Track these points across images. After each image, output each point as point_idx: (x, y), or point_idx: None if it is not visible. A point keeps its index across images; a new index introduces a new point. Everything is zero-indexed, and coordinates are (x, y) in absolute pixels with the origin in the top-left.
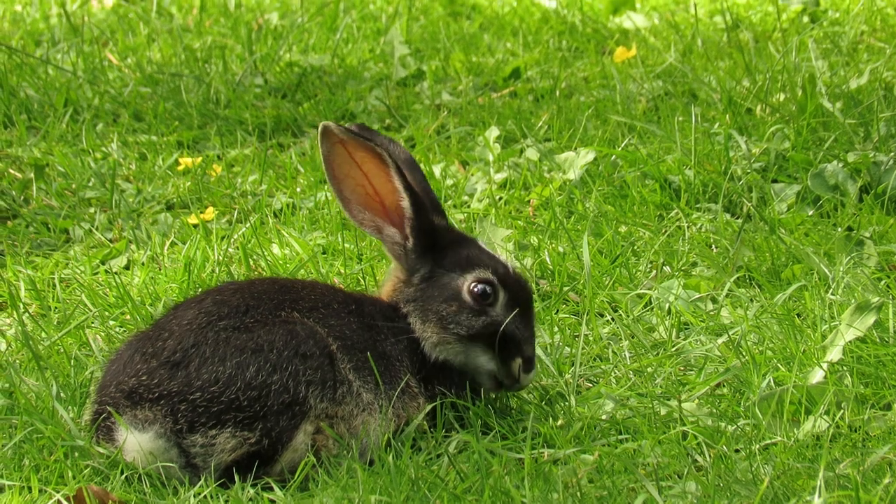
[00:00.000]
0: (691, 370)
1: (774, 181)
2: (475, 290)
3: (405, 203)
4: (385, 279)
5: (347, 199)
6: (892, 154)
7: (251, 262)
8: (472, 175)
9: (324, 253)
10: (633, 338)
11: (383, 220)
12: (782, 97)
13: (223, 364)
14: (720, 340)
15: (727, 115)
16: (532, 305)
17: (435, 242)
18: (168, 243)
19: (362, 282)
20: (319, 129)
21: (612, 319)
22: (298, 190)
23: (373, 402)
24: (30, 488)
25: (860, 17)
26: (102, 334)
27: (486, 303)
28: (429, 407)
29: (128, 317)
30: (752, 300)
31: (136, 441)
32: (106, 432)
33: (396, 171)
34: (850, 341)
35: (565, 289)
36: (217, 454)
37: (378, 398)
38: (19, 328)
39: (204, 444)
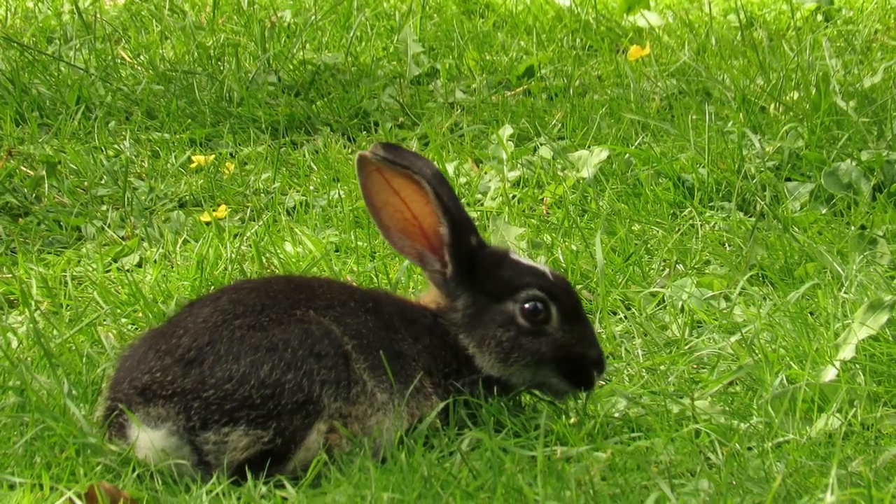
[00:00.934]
0: (704, 368)
1: (788, 179)
2: (528, 308)
3: (443, 229)
4: (427, 291)
5: (387, 226)
6: None
7: (264, 261)
8: (486, 173)
9: (336, 251)
10: (645, 336)
11: (423, 246)
12: (796, 96)
13: (237, 362)
14: (733, 338)
15: (741, 114)
16: (581, 305)
17: (474, 266)
18: (180, 241)
19: (375, 280)
20: (356, 159)
21: (625, 317)
22: (311, 188)
23: (387, 402)
24: (41, 486)
25: (874, 16)
26: (114, 332)
27: (539, 320)
28: (441, 405)
29: (140, 314)
30: (765, 298)
31: (148, 438)
32: (118, 429)
33: (435, 196)
34: (862, 339)
35: (578, 287)
36: (229, 452)
37: (392, 398)
38: (31, 326)
39: (216, 442)
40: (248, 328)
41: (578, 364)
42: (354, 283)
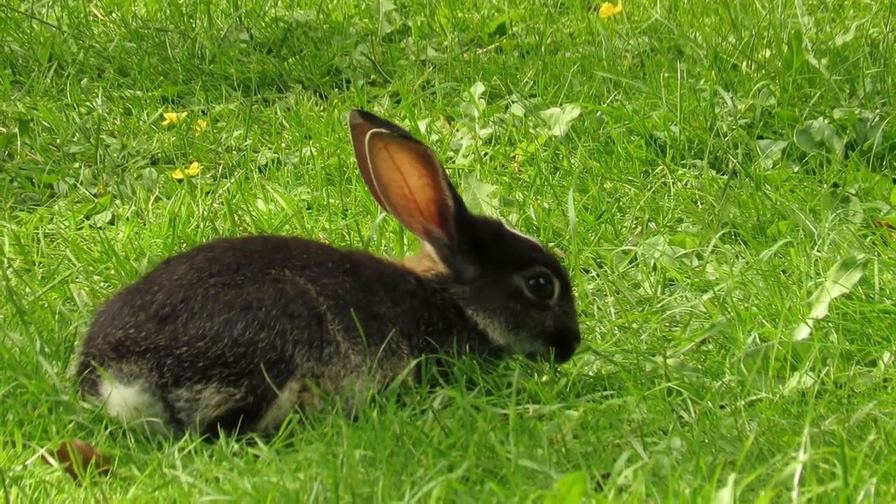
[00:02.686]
0: (676, 326)
1: (760, 137)
2: (534, 284)
3: (451, 202)
4: (417, 257)
5: (395, 203)
6: (878, 111)
7: (236, 218)
8: (458, 131)
9: (308, 208)
10: (618, 294)
11: (428, 220)
12: (768, 53)
13: (211, 320)
14: (705, 297)
15: (713, 72)
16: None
17: (476, 238)
18: (153, 198)
19: (347, 237)
20: (368, 137)
21: (598, 275)
22: (283, 145)
23: (361, 364)
24: (13, 443)
25: None
26: (87, 289)
27: (545, 295)
28: (413, 363)
29: (112, 272)
30: (737, 256)
31: (120, 395)
32: (91, 385)
33: (442, 169)
34: (835, 298)
35: (550, 245)
36: (202, 409)
37: (367, 359)
38: (3, 283)
39: (189, 399)
40: (222, 286)
41: (566, 337)
42: (328, 242)
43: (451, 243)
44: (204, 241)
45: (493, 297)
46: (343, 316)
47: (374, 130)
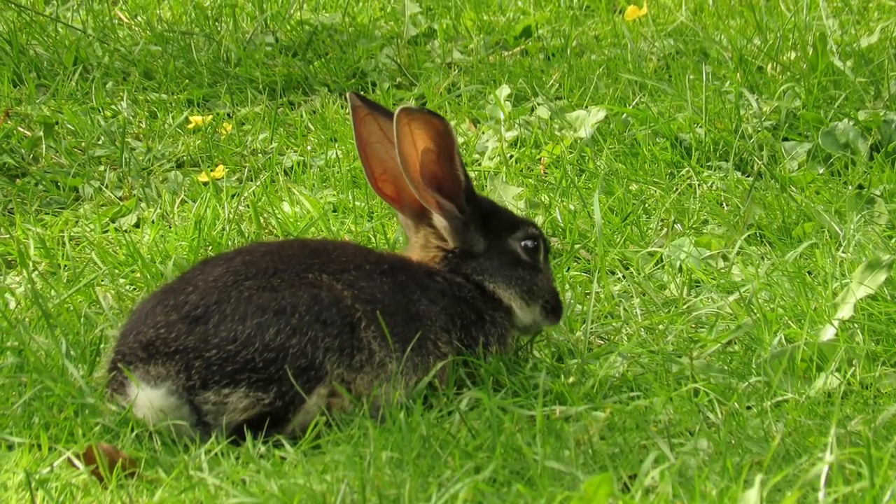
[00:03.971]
0: (702, 327)
1: (785, 139)
2: (527, 245)
3: (462, 175)
4: (413, 250)
5: (413, 178)
6: None
7: (262, 220)
8: (483, 133)
9: (334, 211)
10: (644, 295)
11: (442, 195)
12: (793, 55)
13: (243, 323)
14: (731, 298)
15: (738, 74)
16: None
17: (480, 210)
18: (178, 201)
19: (373, 240)
20: (397, 113)
21: (624, 277)
22: (309, 148)
23: (396, 372)
24: (39, 446)
25: None
26: (112, 292)
27: (536, 256)
28: (440, 364)
29: (138, 275)
30: (763, 258)
31: (147, 397)
32: (119, 385)
33: (457, 144)
34: (861, 299)
35: (576, 246)
36: (229, 413)
37: (407, 362)
38: (29, 286)
39: (216, 402)
40: (257, 289)
41: (557, 300)
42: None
43: (462, 216)
44: (230, 244)
45: (503, 267)
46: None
47: (403, 107)
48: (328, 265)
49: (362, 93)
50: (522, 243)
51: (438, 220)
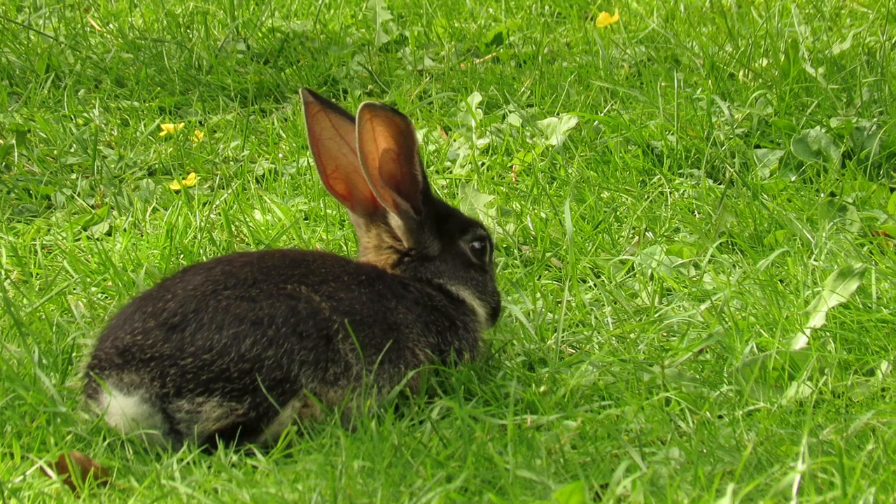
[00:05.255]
0: (674, 336)
1: (757, 147)
2: (476, 247)
3: (420, 176)
4: (366, 252)
5: (372, 175)
6: (875, 119)
7: (233, 229)
8: (455, 141)
9: (306, 219)
10: (615, 304)
11: (400, 194)
12: (765, 62)
13: (219, 332)
14: (703, 306)
15: (710, 81)
16: None
17: (435, 211)
18: (150, 209)
19: (344, 248)
20: (360, 109)
21: (595, 285)
22: (280, 156)
23: (371, 385)
24: (12, 455)
25: None
26: (84, 301)
27: (484, 258)
28: (412, 373)
29: (110, 283)
30: (734, 266)
31: (119, 405)
32: (94, 391)
33: (417, 144)
34: (832, 307)
35: (548, 255)
36: (202, 422)
37: (379, 378)
38: (1, 295)
39: (189, 411)
40: (235, 299)
41: (498, 301)
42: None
43: (418, 217)
44: (201, 252)
45: (457, 269)
46: (358, 331)
47: (366, 102)
48: (307, 276)
49: (333, 100)
50: (471, 245)
51: (394, 220)
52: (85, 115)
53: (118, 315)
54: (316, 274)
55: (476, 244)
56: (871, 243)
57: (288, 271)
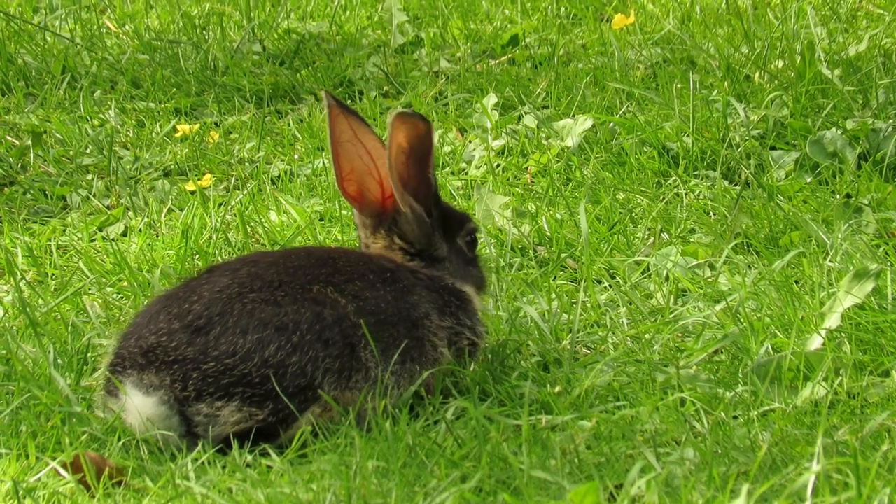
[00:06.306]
0: (689, 337)
1: (773, 148)
2: (469, 241)
3: (433, 179)
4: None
5: (394, 178)
6: (891, 121)
7: (249, 229)
8: (470, 142)
9: (321, 220)
10: (630, 304)
11: (414, 197)
12: (781, 64)
13: (244, 337)
14: (718, 307)
15: (725, 83)
16: None
17: (441, 213)
18: (165, 210)
19: (349, 248)
20: (393, 115)
21: (610, 286)
22: (296, 157)
23: (393, 388)
24: (27, 455)
25: None
26: (100, 301)
27: (474, 250)
28: (426, 374)
29: (125, 284)
30: (750, 267)
31: (136, 405)
32: (115, 388)
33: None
34: (848, 308)
35: (563, 256)
36: (219, 425)
37: (399, 380)
38: (16, 295)
39: (208, 415)
40: (261, 302)
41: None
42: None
43: (429, 220)
44: (217, 253)
45: (461, 266)
46: (382, 331)
47: (400, 110)
48: (333, 276)
49: (349, 101)
50: (466, 240)
51: (407, 223)
52: (101, 116)
53: (142, 313)
54: (342, 273)
55: (469, 238)
56: (887, 244)
57: (314, 271)
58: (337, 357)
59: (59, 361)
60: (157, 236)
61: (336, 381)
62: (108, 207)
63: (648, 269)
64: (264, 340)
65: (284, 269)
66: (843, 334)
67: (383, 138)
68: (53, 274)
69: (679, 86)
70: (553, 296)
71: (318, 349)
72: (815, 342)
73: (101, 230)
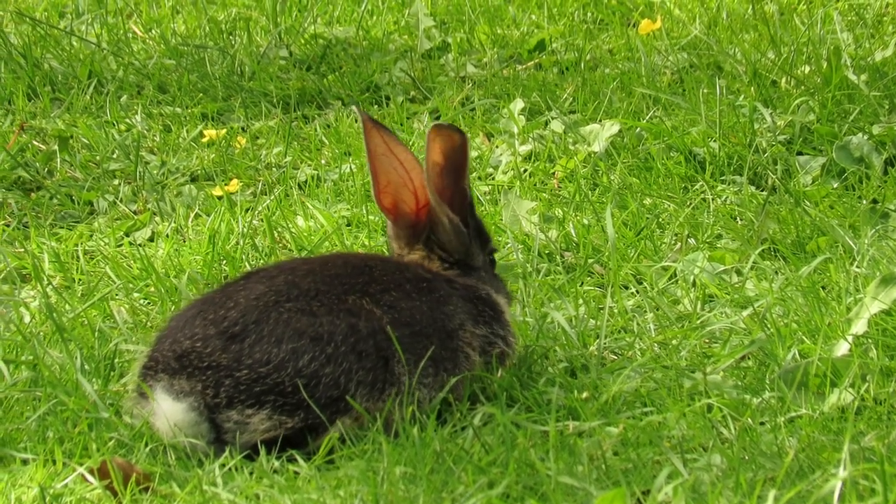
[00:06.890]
0: (716, 343)
1: (799, 153)
2: (491, 259)
3: (468, 190)
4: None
5: (434, 192)
6: None
7: (276, 235)
8: (497, 147)
9: (348, 225)
10: (657, 310)
11: (450, 209)
12: (807, 69)
13: (278, 346)
14: (745, 313)
15: (752, 88)
16: None
17: (476, 224)
18: (192, 215)
19: (386, 254)
20: (431, 129)
21: (637, 292)
22: (323, 162)
23: (424, 400)
24: (54, 461)
25: None
26: (126, 306)
27: (495, 261)
28: (454, 380)
29: (152, 289)
30: (776, 272)
31: (165, 410)
32: (143, 392)
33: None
34: (875, 314)
35: (590, 261)
36: (248, 432)
37: (430, 391)
38: (43, 300)
39: (238, 422)
40: (297, 311)
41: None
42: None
43: (467, 230)
44: (244, 258)
45: (493, 278)
46: (416, 343)
47: (436, 123)
48: (370, 286)
49: (375, 107)
50: (490, 255)
51: (445, 233)
52: (127, 121)
53: (178, 317)
54: (378, 282)
55: (490, 258)
56: None
57: (350, 280)
58: (370, 370)
59: (86, 367)
60: (184, 241)
61: (368, 394)
62: (134, 213)
63: (675, 275)
64: (298, 350)
65: (321, 278)
66: (870, 340)
67: (411, 148)
68: (80, 279)
69: (706, 91)
70: (580, 301)
71: (351, 361)
72: (842, 348)
73: (127, 235)
